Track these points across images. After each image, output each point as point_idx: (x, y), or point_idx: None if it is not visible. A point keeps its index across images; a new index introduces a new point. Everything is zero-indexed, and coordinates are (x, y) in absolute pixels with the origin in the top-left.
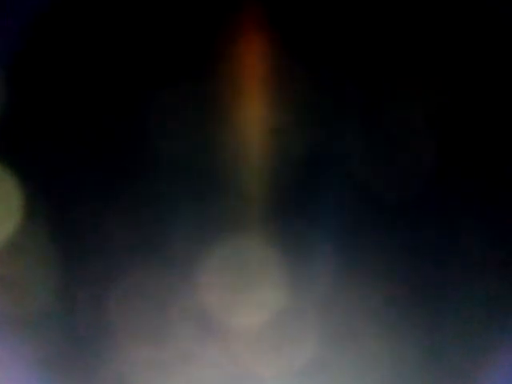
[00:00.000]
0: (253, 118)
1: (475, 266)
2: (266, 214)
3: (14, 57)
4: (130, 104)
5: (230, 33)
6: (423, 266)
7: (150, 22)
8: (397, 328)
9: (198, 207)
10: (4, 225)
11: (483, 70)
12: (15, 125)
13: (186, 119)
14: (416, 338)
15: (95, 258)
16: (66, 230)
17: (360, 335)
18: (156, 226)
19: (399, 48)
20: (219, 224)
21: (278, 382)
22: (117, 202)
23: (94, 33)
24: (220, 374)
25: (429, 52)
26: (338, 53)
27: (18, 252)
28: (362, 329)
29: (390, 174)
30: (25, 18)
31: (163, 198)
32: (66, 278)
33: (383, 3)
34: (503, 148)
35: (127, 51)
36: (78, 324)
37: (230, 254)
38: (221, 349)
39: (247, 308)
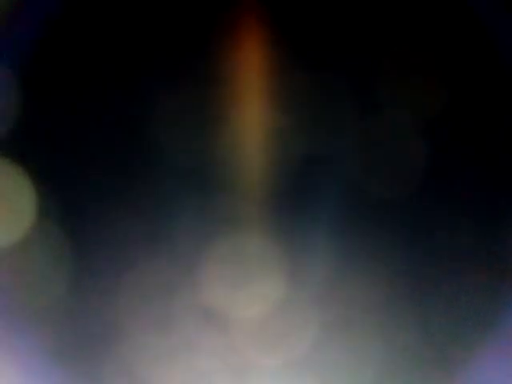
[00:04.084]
0: (253, 117)
1: (472, 263)
2: (265, 211)
3: (20, 58)
4: (131, 105)
5: (229, 33)
6: (420, 261)
7: (150, 23)
8: (395, 319)
9: (200, 205)
10: (14, 221)
11: (481, 69)
12: (23, 125)
13: (187, 119)
14: (413, 331)
15: (101, 253)
16: (74, 226)
17: (358, 326)
18: (160, 223)
19: (398, 48)
20: (220, 221)
21: (278, 371)
22: (122, 201)
23: (94, 34)
24: (222, 364)
25: (427, 52)
26: (338, 53)
27: (27, 247)
28: (361, 320)
29: (389, 173)
30: (28, 21)
31: (167, 197)
32: (73, 271)
33: (383, 3)
34: (501, 147)
35: (128, 53)
36: (86, 316)
37: (232, 248)
38: (223, 340)
39: (248, 300)
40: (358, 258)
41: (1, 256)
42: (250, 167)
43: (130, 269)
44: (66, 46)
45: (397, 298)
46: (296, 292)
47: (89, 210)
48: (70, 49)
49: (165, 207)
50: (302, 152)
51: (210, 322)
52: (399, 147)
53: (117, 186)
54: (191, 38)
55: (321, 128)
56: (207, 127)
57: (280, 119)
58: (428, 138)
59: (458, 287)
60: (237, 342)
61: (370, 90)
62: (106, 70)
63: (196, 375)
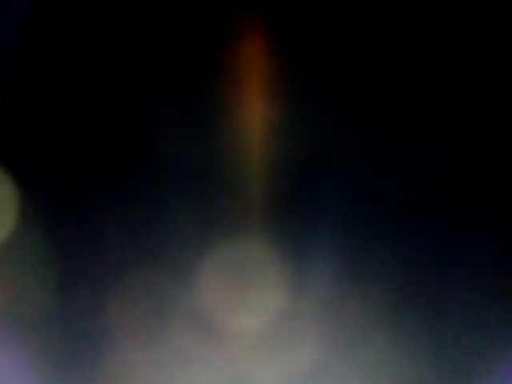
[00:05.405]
0: (253, 118)
1: (477, 267)
2: (266, 215)
3: (15, 57)
4: (130, 105)
5: (230, 34)
6: (425, 267)
7: (152, 23)
8: (398, 330)
9: (199, 208)
10: (4, 225)
11: (485, 70)
12: (16, 126)
13: (187, 120)
14: (418, 340)
15: (95, 259)
16: (66, 230)
17: (360, 337)
18: (156, 227)
19: (399, 49)
20: (219, 225)
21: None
22: (117, 203)
23: (95, 34)
24: (219, 376)
25: (429, 52)
26: (339, 53)
27: (17, 252)
28: (363, 331)
29: (391, 174)
30: (25, 19)
31: (164, 199)
32: (65, 278)
33: (383, 4)
34: (505, 148)
35: (128, 52)
36: (78, 325)
37: (230, 255)
38: (220, 350)
39: (247, 309)
40: (364, 265)
41: None
42: (251, 168)
43: (123, 276)
44: (62, 44)
45: (406, 308)
46: (297, 301)
47: (83, 214)
48: (67, 47)
49: (163, 210)
50: (304, 153)
51: (207, 331)
52: (402, 147)
53: (114, 188)
54: (192, 39)
55: (323, 129)
56: (207, 128)
57: (281, 120)
58: (432, 138)
59: (468, 295)
60: (235, 353)
61: (371, 90)
62: (103, 68)
63: None
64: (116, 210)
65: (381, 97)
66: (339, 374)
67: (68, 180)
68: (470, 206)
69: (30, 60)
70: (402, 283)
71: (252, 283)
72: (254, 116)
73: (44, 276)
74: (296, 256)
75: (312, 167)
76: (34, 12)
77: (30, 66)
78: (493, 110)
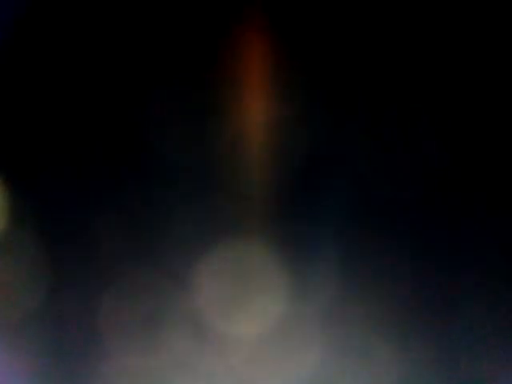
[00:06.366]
0: (253, 117)
1: (479, 269)
2: (266, 216)
3: (14, 56)
4: (129, 105)
5: (230, 33)
6: (427, 270)
7: (151, 23)
8: (399, 335)
9: (198, 208)
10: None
11: (485, 69)
12: (12, 125)
13: (186, 120)
14: (420, 346)
15: (93, 260)
16: (60, 232)
17: (362, 343)
18: (154, 229)
19: (400, 47)
20: (219, 226)
21: None
22: (114, 204)
23: (93, 32)
24: (219, 382)
25: (429, 51)
26: (340, 52)
27: (13, 253)
28: (364, 337)
29: (392, 173)
30: (22, 17)
31: (163, 200)
32: (58, 281)
33: (383, 3)
34: (505, 148)
35: (127, 52)
36: (74, 327)
37: (230, 258)
38: (219, 357)
39: (246, 315)
40: (365, 267)
41: None
42: (251, 169)
43: (121, 279)
44: (63, 44)
45: (404, 311)
46: (297, 307)
47: (78, 215)
48: (68, 47)
49: (161, 212)
50: (305, 153)
51: (206, 338)
52: (402, 147)
53: (111, 189)
54: (192, 38)
55: (323, 128)
56: (207, 128)
57: (282, 120)
58: (432, 138)
59: (471, 297)
60: (234, 360)
61: (372, 89)
62: (102, 67)
63: None
64: (115, 210)
65: (382, 96)
66: (341, 378)
67: (67, 181)
68: (471, 206)
69: (30, 60)
70: (404, 285)
71: (252, 285)
72: (255, 116)
73: (40, 277)
74: (296, 258)
75: (312, 167)
76: (30, 9)
77: (30, 66)
78: (493, 110)
